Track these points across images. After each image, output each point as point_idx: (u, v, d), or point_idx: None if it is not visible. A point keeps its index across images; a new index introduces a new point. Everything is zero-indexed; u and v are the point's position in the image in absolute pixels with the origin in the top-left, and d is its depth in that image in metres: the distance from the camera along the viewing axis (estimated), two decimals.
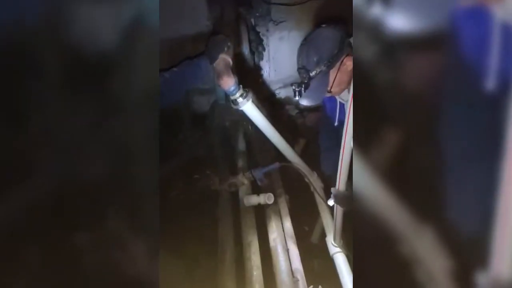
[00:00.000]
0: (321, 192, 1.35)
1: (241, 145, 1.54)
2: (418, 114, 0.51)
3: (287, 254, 1.13)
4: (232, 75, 1.08)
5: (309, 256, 1.56)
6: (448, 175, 0.50)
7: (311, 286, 0.99)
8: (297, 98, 1.01)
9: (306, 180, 1.40)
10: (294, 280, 1.04)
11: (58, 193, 0.45)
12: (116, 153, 0.48)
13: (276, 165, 1.29)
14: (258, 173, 1.31)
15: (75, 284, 0.44)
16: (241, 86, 1.11)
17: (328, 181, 1.33)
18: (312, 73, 0.97)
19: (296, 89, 0.98)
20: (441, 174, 0.51)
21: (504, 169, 0.42)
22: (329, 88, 1.01)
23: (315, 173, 1.43)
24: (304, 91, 0.98)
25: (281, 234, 1.20)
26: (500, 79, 0.43)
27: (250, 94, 1.12)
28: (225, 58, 1.12)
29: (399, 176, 0.53)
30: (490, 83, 0.43)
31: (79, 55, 0.47)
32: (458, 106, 0.48)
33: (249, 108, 1.13)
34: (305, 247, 1.56)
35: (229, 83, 1.07)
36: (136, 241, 0.47)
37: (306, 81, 0.97)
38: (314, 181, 1.39)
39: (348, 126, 0.74)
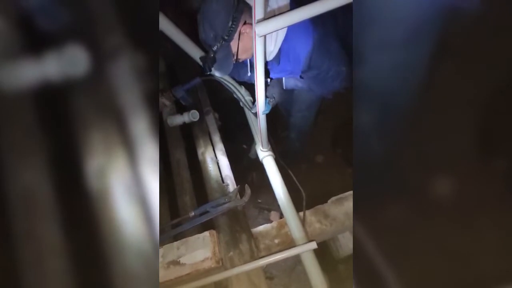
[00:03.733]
0: (250, 105, 1.33)
1: (160, 65, 1.40)
2: None
3: (216, 165, 1.13)
4: None
5: (248, 170, 1.62)
6: None
7: (238, 185, 1.02)
8: (208, 72, 0.98)
9: (234, 96, 1.35)
10: (224, 185, 1.06)
11: None
12: None
13: (197, 80, 1.21)
14: (179, 92, 1.23)
15: None
16: None
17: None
18: (214, 48, 0.93)
19: (204, 64, 0.96)
20: None
21: None
22: (234, 58, 0.98)
23: (243, 87, 1.38)
24: (211, 66, 0.96)
25: (210, 148, 1.18)
26: None
27: None
28: None
29: None
30: None
31: None
32: None
33: None
34: (244, 164, 1.61)
35: None
36: None
37: (212, 55, 0.94)
38: (243, 94, 1.35)
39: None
